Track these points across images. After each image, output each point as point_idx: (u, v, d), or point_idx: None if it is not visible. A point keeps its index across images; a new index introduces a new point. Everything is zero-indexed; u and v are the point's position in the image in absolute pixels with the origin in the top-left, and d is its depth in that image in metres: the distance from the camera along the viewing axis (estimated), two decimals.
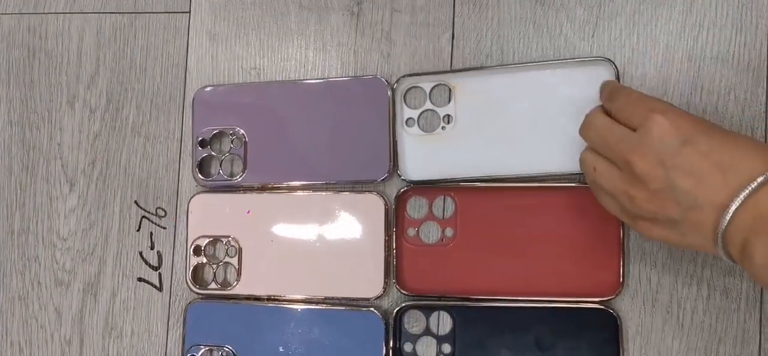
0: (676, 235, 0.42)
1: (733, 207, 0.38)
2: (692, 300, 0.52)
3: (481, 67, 0.56)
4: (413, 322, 0.55)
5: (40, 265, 0.63)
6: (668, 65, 0.53)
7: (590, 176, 0.46)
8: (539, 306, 0.53)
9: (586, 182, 0.49)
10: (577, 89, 0.53)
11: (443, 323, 0.55)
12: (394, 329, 0.55)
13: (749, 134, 0.51)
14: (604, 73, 0.52)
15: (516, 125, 0.54)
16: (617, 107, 0.45)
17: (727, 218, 0.38)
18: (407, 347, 0.55)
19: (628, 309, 0.53)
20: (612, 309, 0.52)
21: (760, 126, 0.51)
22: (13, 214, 0.64)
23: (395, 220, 0.56)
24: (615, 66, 0.52)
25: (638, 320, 0.52)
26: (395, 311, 0.55)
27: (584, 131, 0.47)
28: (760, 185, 0.38)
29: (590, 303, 0.52)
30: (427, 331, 0.55)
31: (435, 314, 0.55)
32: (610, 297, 0.52)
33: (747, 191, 0.38)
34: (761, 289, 0.50)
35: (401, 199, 0.56)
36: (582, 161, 0.47)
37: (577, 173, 0.52)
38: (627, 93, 0.45)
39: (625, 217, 0.44)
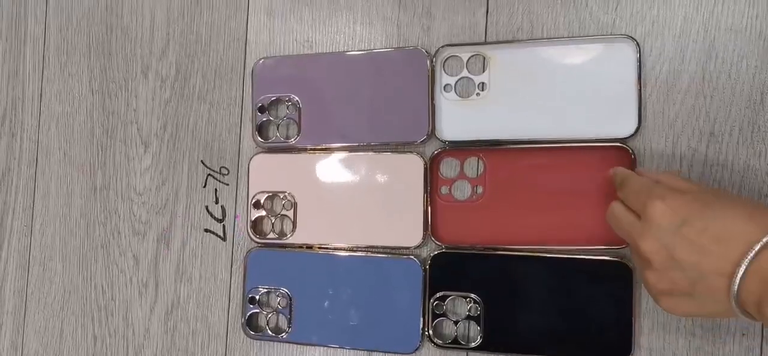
0: (696, 306, 0.44)
1: (739, 276, 0.41)
2: None
3: (513, 40, 0.60)
4: None
5: (119, 217, 0.71)
6: (686, 36, 0.56)
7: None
8: (563, 257, 0.58)
9: None
10: (600, 63, 0.57)
11: None
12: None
13: (759, 98, 0.55)
14: (625, 49, 0.57)
15: (543, 94, 0.59)
16: (625, 195, 0.50)
17: (736, 287, 0.41)
18: None
19: None
20: (626, 260, 0.56)
21: None
22: (95, 172, 0.72)
23: (430, 179, 0.61)
24: (636, 42, 0.56)
25: None
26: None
27: (608, 219, 0.51)
28: (759, 252, 0.40)
29: (605, 253, 0.57)
30: None
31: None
32: (620, 246, 0.56)
33: (748, 260, 0.41)
34: None
35: (435, 160, 0.61)
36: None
37: (595, 139, 0.57)
38: (631, 183, 0.50)
39: (652, 295, 0.47)
